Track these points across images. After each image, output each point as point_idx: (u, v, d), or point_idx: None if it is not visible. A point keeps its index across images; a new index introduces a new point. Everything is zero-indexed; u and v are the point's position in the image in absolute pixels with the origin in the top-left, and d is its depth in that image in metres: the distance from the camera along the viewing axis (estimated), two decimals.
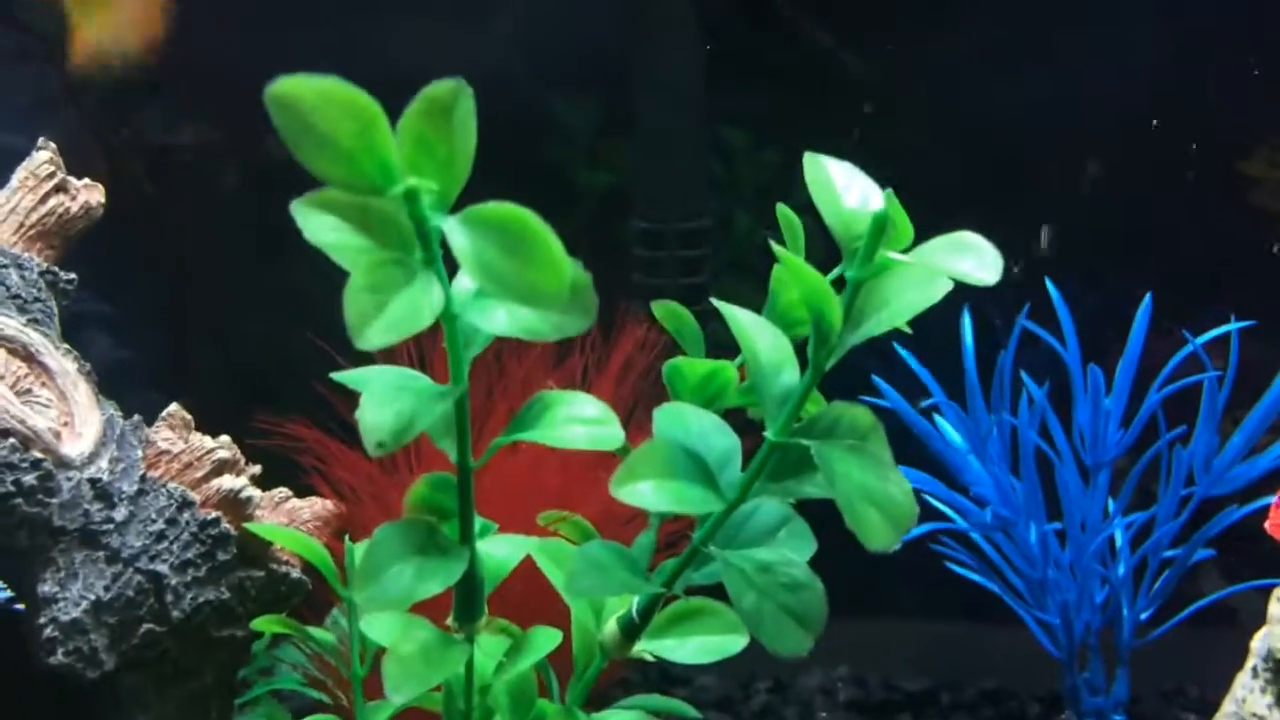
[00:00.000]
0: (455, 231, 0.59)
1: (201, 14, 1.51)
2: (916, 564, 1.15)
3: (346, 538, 0.87)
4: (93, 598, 0.84)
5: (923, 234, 0.66)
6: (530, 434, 0.71)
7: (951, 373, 1.17)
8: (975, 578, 1.17)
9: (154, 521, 0.87)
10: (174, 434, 0.90)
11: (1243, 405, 1.11)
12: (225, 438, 0.93)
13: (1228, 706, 1.00)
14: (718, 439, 0.76)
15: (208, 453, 0.90)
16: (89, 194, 1.02)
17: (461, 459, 0.72)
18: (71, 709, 0.88)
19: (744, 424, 0.78)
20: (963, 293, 0.65)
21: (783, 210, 0.75)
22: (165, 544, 0.86)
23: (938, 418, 1.19)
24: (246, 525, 0.88)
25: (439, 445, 0.72)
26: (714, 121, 1.49)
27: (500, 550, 0.80)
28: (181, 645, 0.87)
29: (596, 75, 1.47)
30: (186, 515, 0.87)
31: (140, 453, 0.90)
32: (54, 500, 0.84)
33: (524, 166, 1.50)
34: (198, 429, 0.93)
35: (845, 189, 0.67)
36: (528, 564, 0.83)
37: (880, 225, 0.64)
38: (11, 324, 0.90)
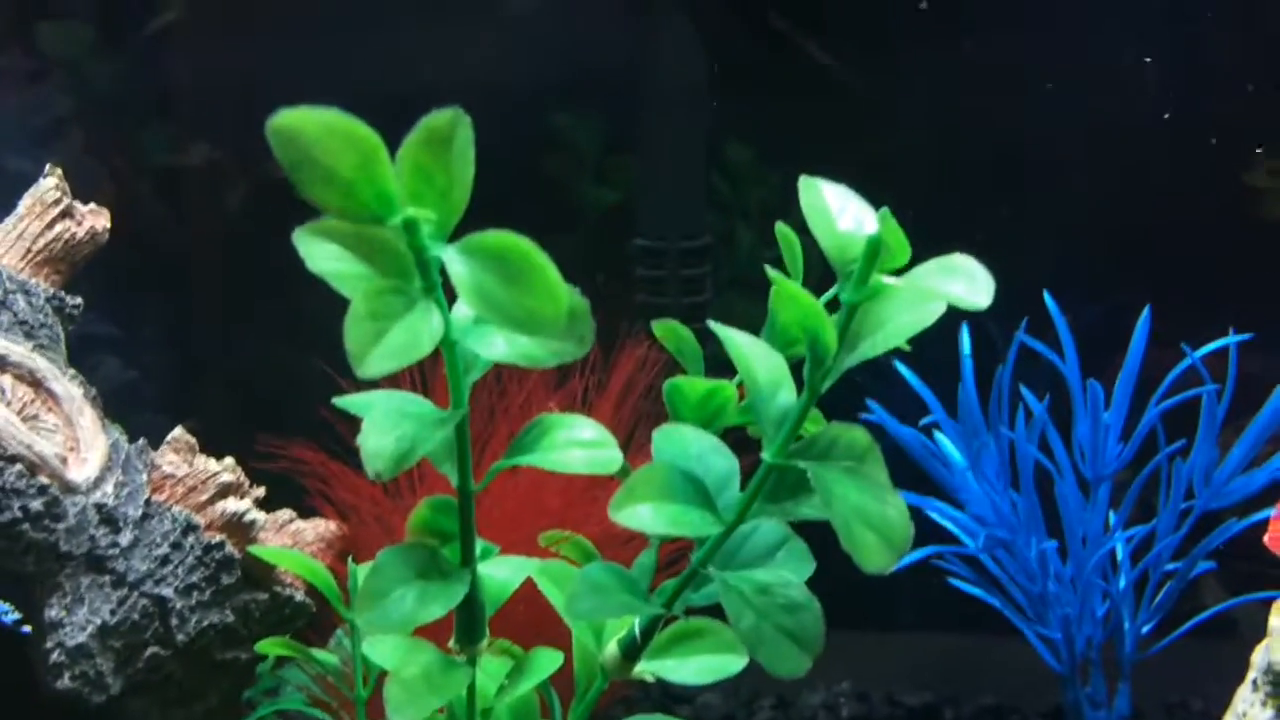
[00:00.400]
0: (454, 260, 0.60)
1: (208, 33, 1.53)
2: (919, 578, 1.16)
3: (350, 559, 0.88)
4: (99, 622, 0.85)
5: (924, 246, 0.66)
6: (529, 457, 0.72)
7: (956, 388, 1.17)
8: (977, 593, 1.18)
9: (159, 545, 0.88)
10: (178, 458, 0.91)
11: (1249, 418, 1.12)
12: (230, 461, 0.94)
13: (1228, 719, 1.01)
14: (716, 460, 0.76)
15: (212, 476, 0.91)
16: (95, 219, 1.03)
17: (462, 483, 0.73)
18: None
19: (745, 441, 0.78)
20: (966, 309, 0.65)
21: (781, 229, 0.76)
22: (170, 568, 0.87)
23: (939, 434, 1.20)
24: (250, 548, 0.89)
25: (440, 469, 0.73)
26: (717, 139, 1.49)
27: (502, 572, 0.81)
28: (186, 668, 0.88)
29: (604, 91, 1.48)
30: (191, 539, 0.88)
31: (145, 477, 0.91)
32: (60, 525, 0.85)
33: (530, 182, 1.51)
34: (204, 450, 0.94)
35: (840, 212, 0.68)
36: (530, 585, 0.83)
37: (874, 249, 0.65)
38: (18, 350, 0.91)
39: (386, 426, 0.66)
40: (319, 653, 0.90)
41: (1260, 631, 0.97)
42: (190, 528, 0.88)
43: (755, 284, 0.75)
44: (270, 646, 0.88)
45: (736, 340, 0.72)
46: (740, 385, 0.80)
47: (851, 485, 0.67)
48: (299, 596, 0.92)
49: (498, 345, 0.66)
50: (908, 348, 0.69)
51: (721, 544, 0.74)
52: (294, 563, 0.88)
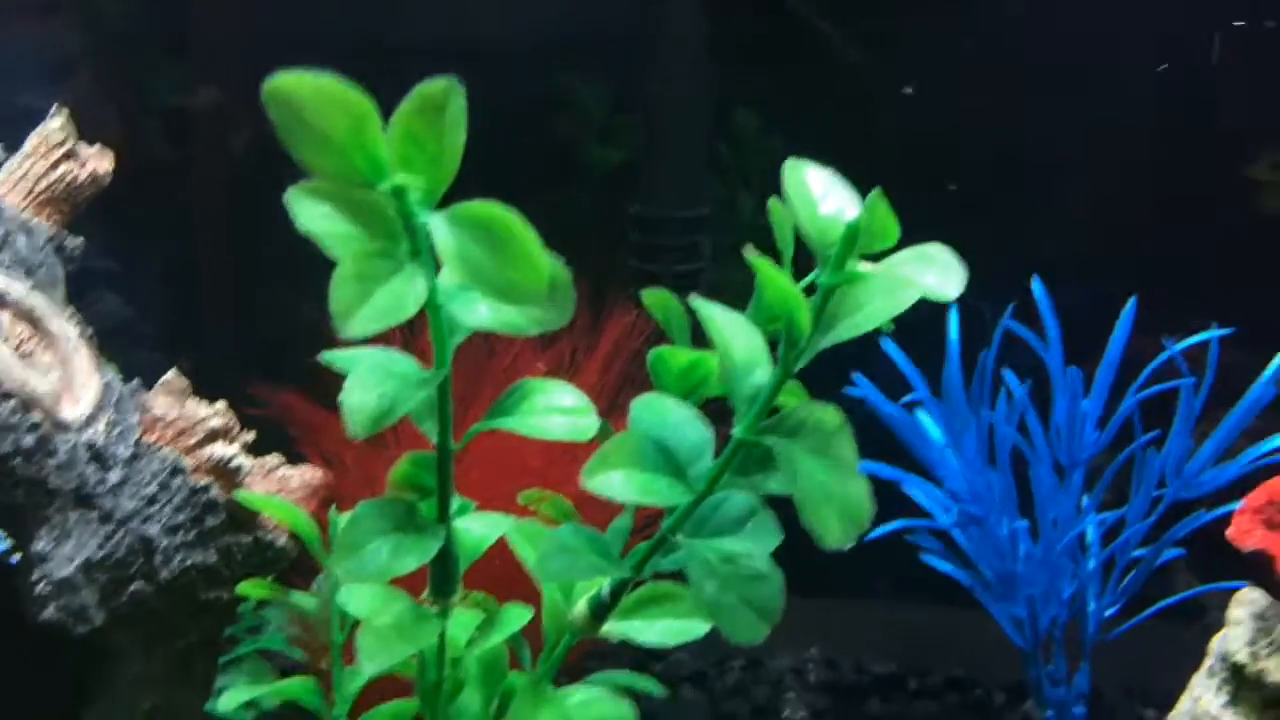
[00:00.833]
0: (440, 228, 0.61)
1: None
2: (893, 549, 1.18)
3: (332, 508, 0.90)
4: (85, 556, 0.87)
5: (921, 220, 0.68)
6: (508, 421, 0.74)
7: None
8: (947, 568, 1.20)
9: (147, 485, 0.90)
10: (170, 400, 0.93)
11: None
12: (221, 405, 0.96)
13: (1183, 705, 1.03)
14: (692, 431, 0.78)
15: (201, 420, 0.93)
16: (98, 162, 1.04)
17: (442, 441, 0.75)
18: (61, 661, 0.91)
19: (728, 412, 0.80)
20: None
21: (774, 204, 0.77)
22: (156, 507, 0.89)
23: (921, 412, 1.22)
24: (236, 493, 0.91)
25: (421, 428, 0.75)
26: (725, 106, 1.50)
27: (477, 528, 0.83)
28: (168, 605, 0.90)
29: (613, 53, 1.48)
30: (178, 480, 0.90)
31: (137, 418, 0.93)
32: (51, 462, 0.87)
33: (537, 141, 1.52)
34: (199, 393, 0.96)
35: (822, 197, 0.70)
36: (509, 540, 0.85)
37: (852, 235, 0.67)
38: (17, 288, 0.93)
39: (370, 384, 0.68)
40: (298, 596, 0.93)
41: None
42: (178, 470, 0.90)
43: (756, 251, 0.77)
44: (251, 588, 0.91)
45: (714, 316, 0.74)
46: None
47: (816, 463, 0.69)
48: (281, 541, 0.94)
49: (481, 312, 0.68)
50: (891, 327, 0.71)
51: (691, 513, 0.76)
52: (277, 509, 0.90)
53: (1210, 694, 1.01)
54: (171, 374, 0.94)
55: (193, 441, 0.92)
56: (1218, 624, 1.00)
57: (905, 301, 0.67)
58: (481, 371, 1.11)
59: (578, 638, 0.84)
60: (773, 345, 0.74)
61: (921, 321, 0.71)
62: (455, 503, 0.79)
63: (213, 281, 1.60)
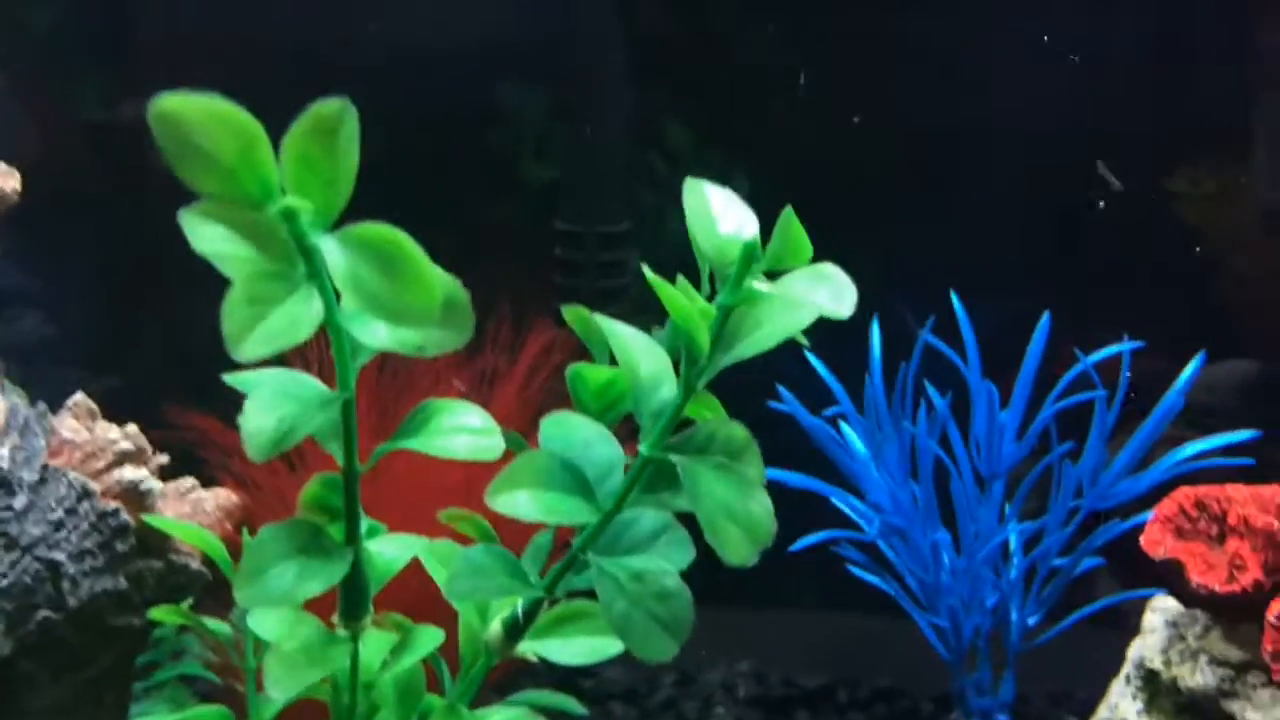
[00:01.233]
0: (331, 250, 0.61)
1: None
2: (820, 561, 1.19)
3: (245, 531, 0.89)
4: None
5: (844, 232, 0.68)
6: (413, 442, 0.73)
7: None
8: (873, 579, 1.21)
9: (54, 510, 0.88)
10: (79, 424, 0.92)
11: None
12: (132, 428, 0.95)
13: (1102, 711, 1.05)
14: (601, 449, 0.78)
15: (111, 444, 0.91)
16: (5, 180, 1.02)
17: (348, 463, 0.74)
18: None
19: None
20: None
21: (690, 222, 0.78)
22: (64, 533, 0.88)
23: (844, 425, 1.23)
24: (145, 517, 0.90)
25: (327, 449, 0.75)
26: (649, 122, 1.50)
27: (389, 550, 0.83)
28: (78, 632, 0.88)
29: (548, 66, 1.48)
30: (86, 505, 0.89)
31: (44, 441, 0.91)
32: None
33: (470, 154, 1.51)
34: (113, 415, 0.95)
35: (721, 215, 0.70)
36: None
37: (749, 254, 0.67)
38: None
39: (269, 407, 0.67)
40: (211, 622, 0.92)
41: None
42: (86, 494, 0.89)
43: (686, 269, 0.77)
44: (163, 614, 0.90)
45: (619, 334, 0.74)
46: None
47: (719, 481, 0.69)
48: (194, 565, 0.93)
49: (379, 333, 0.67)
50: (806, 342, 0.72)
51: (601, 531, 0.76)
52: (188, 533, 0.89)
53: (1127, 700, 1.03)
54: (79, 396, 0.93)
55: (101, 465, 0.91)
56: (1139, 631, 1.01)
57: (803, 320, 0.68)
58: (400, 391, 1.10)
59: (495, 658, 0.83)
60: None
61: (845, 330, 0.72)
62: (365, 524, 0.78)
63: (132, 299, 1.58)
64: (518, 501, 0.71)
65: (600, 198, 1.44)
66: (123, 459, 0.91)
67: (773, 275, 0.70)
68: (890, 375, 1.19)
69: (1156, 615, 1.01)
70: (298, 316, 0.62)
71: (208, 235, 0.64)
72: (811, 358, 1.22)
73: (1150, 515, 1.00)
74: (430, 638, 0.81)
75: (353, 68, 1.42)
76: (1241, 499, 0.96)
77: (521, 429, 0.89)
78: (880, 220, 1.45)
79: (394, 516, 0.87)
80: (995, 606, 1.19)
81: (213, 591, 0.99)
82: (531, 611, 0.81)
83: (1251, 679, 0.92)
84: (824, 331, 0.71)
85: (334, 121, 0.62)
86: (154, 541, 0.91)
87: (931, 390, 1.18)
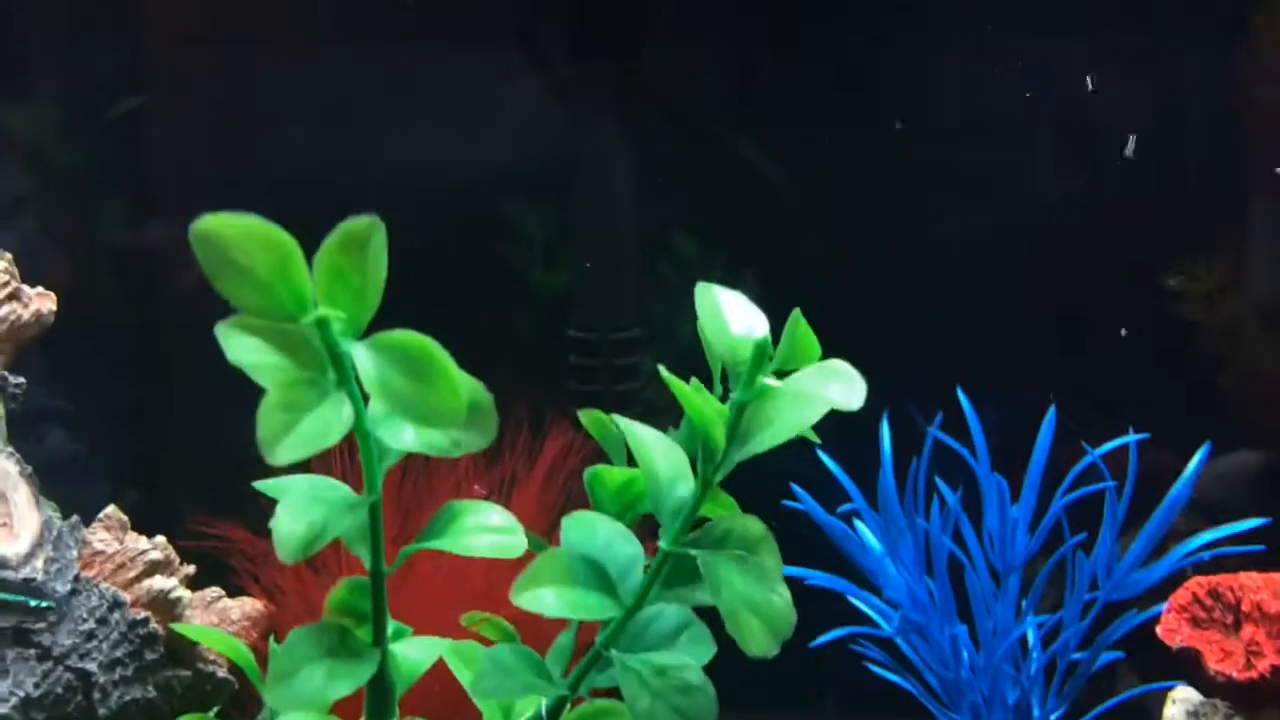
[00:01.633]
0: (362, 356, 0.64)
1: (171, 118, 1.57)
2: (838, 659, 1.19)
3: (271, 638, 0.90)
4: (22, 694, 0.87)
5: (854, 337, 0.71)
6: (438, 542, 0.75)
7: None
8: (893, 678, 1.21)
9: (85, 621, 0.90)
10: (109, 535, 0.94)
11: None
12: (160, 539, 0.97)
13: None
14: (622, 547, 0.80)
15: (141, 554, 0.93)
16: (41, 302, 1.06)
17: (375, 565, 0.76)
18: None
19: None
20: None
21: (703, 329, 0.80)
22: (95, 643, 0.90)
23: (859, 523, 1.24)
24: (175, 625, 0.91)
25: (354, 552, 0.76)
26: (655, 232, 1.55)
27: (414, 652, 0.84)
28: None
29: (555, 181, 1.53)
30: (117, 615, 0.90)
31: (76, 553, 0.93)
32: None
33: (484, 267, 1.56)
34: (142, 526, 0.97)
35: (732, 316, 0.73)
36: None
37: (761, 353, 0.70)
38: None
39: (299, 511, 0.69)
40: None
41: None
42: (117, 604, 0.90)
43: (695, 370, 0.80)
44: None
45: (638, 434, 0.77)
46: None
47: (739, 574, 0.71)
48: (221, 673, 0.94)
49: (407, 436, 0.70)
50: (817, 439, 0.74)
51: (624, 627, 0.77)
52: (216, 640, 0.90)
53: None
54: (111, 509, 0.95)
55: (132, 575, 0.93)
56: None
57: (814, 415, 0.70)
58: (422, 495, 1.12)
59: None
60: None
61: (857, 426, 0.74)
62: (391, 626, 0.80)
63: (157, 415, 1.61)
64: (542, 598, 0.73)
65: (612, 305, 1.47)
66: (153, 569, 0.93)
67: (781, 375, 0.73)
68: (900, 471, 1.21)
69: (1177, 707, 1.01)
70: (329, 421, 0.65)
71: (243, 346, 0.67)
72: (823, 456, 1.24)
73: (1165, 606, 1.01)
74: None
75: (372, 186, 1.48)
76: (1255, 586, 0.98)
77: (541, 531, 0.92)
78: (887, 320, 1.48)
79: (417, 621, 0.88)
80: (1017, 703, 1.19)
81: (238, 702, 1.00)
82: (556, 710, 0.82)
83: None
84: (833, 429, 0.73)
85: (364, 236, 0.65)
86: (183, 650, 0.93)
87: (942, 485, 1.20)
